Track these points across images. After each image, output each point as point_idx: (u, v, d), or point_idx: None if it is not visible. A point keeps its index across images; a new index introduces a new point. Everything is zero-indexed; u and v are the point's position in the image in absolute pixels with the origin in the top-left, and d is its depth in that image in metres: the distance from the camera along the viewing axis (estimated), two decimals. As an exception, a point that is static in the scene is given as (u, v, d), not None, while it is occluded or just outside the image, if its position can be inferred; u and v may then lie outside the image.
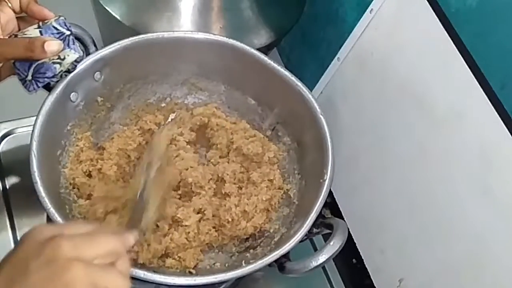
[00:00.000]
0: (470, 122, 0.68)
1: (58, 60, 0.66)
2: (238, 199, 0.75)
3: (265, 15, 0.92)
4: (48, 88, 0.70)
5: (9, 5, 0.66)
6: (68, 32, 0.66)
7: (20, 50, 0.64)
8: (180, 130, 0.80)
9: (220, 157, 0.80)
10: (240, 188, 0.77)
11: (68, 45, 0.66)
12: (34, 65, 0.65)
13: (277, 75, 0.78)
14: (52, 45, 0.64)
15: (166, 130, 0.74)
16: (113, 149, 0.77)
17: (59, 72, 0.67)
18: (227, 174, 0.77)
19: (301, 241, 0.66)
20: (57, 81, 0.70)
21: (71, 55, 0.67)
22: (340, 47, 0.88)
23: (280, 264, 0.66)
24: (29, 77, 0.66)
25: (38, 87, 0.67)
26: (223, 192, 0.76)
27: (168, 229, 0.72)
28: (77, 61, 0.69)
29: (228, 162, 0.79)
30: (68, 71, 0.69)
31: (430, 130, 0.74)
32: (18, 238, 0.81)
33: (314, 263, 0.64)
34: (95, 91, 0.77)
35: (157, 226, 0.71)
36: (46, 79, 0.66)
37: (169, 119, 0.81)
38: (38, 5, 0.67)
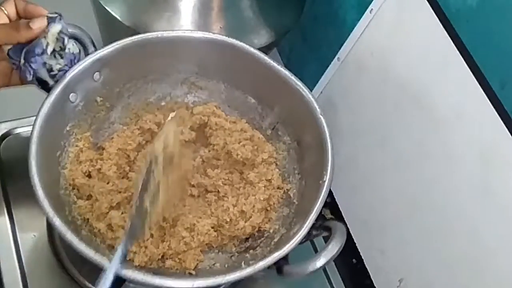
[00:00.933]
0: (470, 122, 0.68)
1: (43, 35, 0.67)
2: (235, 199, 0.75)
3: (265, 15, 0.92)
4: (47, 88, 0.70)
5: (5, 12, 0.67)
6: (55, 15, 0.67)
7: (7, 30, 0.66)
8: (180, 128, 0.80)
9: (213, 157, 0.80)
10: (238, 188, 0.77)
11: (53, 21, 0.67)
12: (25, 49, 0.67)
13: (277, 74, 0.78)
14: (37, 21, 0.66)
15: (170, 125, 0.71)
16: (112, 149, 0.77)
17: (47, 47, 0.67)
18: (217, 175, 0.78)
19: (301, 243, 0.66)
20: (55, 75, 0.69)
21: (54, 27, 0.67)
22: (340, 47, 0.88)
23: (279, 267, 0.65)
24: (22, 61, 0.67)
25: (33, 68, 0.67)
26: (218, 192, 0.77)
27: (167, 232, 0.72)
28: (63, 33, 0.68)
29: (220, 165, 0.79)
30: (61, 50, 0.69)
31: (430, 130, 0.73)
32: (18, 237, 0.81)
33: (312, 268, 0.64)
34: (95, 91, 0.76)
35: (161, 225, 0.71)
36: (37, 57, 0.66)
37: (169, 118, 0.80)
38: (33, 5, 0.68)
